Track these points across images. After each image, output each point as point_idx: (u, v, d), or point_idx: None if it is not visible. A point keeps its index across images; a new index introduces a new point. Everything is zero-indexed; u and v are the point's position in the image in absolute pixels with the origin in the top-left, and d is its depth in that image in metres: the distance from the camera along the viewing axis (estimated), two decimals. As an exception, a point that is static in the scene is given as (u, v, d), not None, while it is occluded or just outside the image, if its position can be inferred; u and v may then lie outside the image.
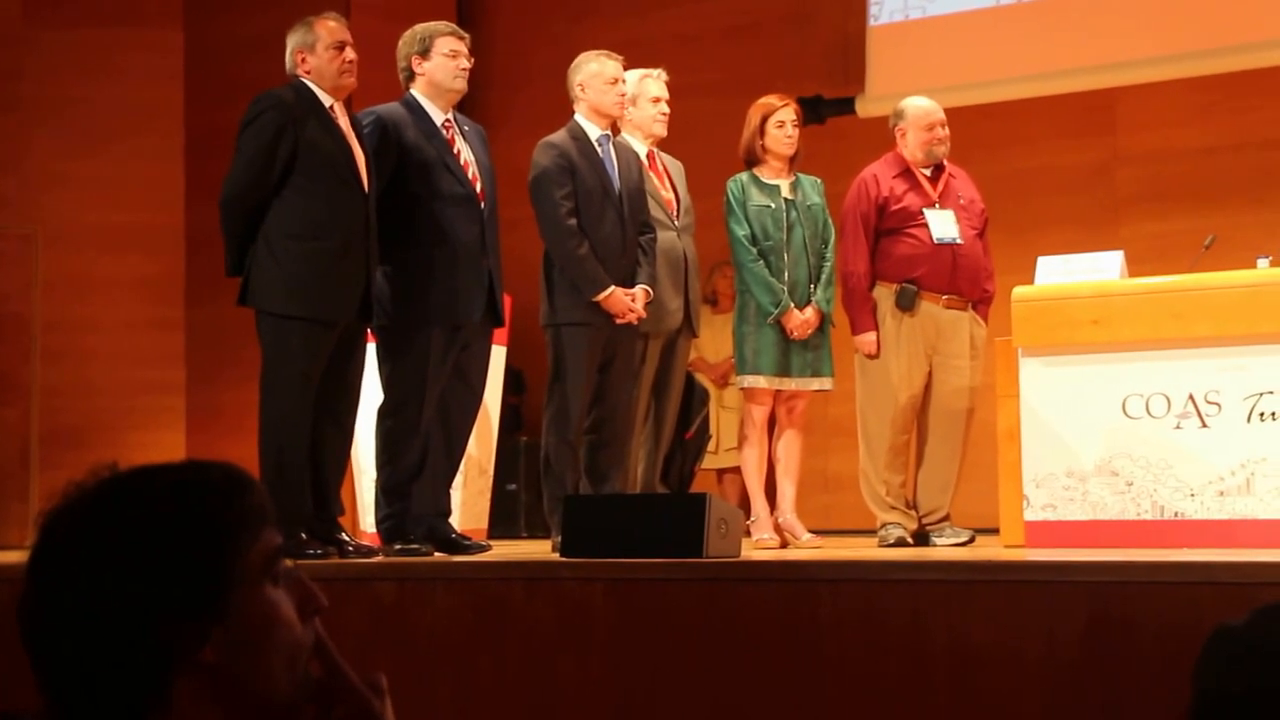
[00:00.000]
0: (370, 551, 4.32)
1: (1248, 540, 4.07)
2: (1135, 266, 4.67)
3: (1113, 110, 6.78)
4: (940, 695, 3.17)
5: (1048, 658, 3.09)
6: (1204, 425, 4.21)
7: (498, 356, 5.60)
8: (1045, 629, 3.10)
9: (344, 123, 4.30)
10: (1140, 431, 4.27)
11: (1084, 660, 3.06)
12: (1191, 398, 4.23)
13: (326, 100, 4.28)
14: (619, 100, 4.83)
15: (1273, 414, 4.14)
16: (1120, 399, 4.31)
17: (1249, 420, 4.16)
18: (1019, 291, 4.52)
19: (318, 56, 4.29)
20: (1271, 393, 4.14)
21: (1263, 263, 4.46)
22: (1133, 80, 6.65)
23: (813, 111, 6.82)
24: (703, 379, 6.51)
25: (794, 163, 5.09)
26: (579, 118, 4.83)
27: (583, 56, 4.88)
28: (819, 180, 5.18)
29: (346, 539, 4.30)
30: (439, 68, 4.53)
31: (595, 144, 4.78)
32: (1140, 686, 2.99)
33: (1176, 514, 4.22)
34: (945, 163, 5.07)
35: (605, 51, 4.88)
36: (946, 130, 5.04)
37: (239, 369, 5.58)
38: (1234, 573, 3.10)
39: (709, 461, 6.43)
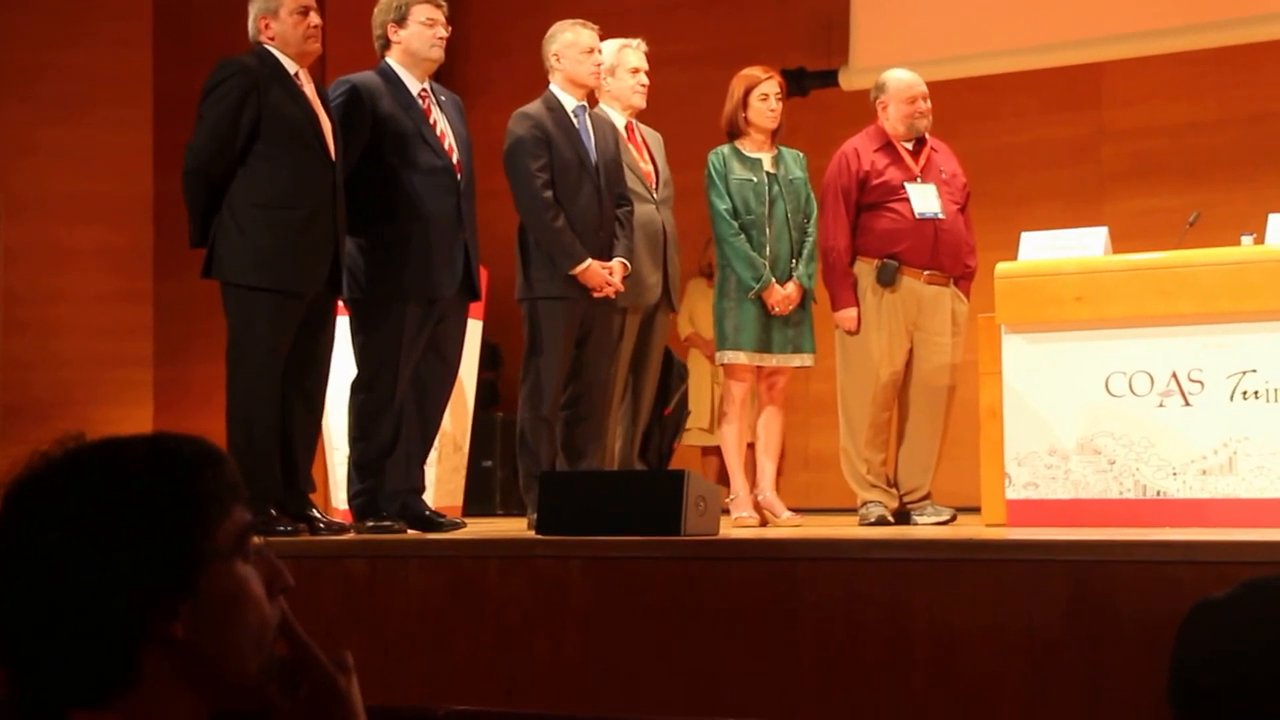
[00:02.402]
0: (342, 528, 4.27)
1: (1230, 519, 4.05)
2: (1119, 243, 4.63)
3: (1098, 85, 6.74)
4: (920, 673, 3.15)
5: (1029, 636, 3.07)
6: (1187, 404, 4.18)
7: (473, 331, 5.54)
8: (1026, 608, 3.09)
9: (309, 89, 4.21)
10: (1123, 409, 4.25)
11: (1065, 639, 3.04)
12: (1175, 376, 4.20)
13: (291, 67, 4.19)
14: (594, 70, 4.76)
15: (1255, 392, 4.12)
16: (1103, 376, 4.28)
17: (1232, 399, 4.14)
18: (1002, 267, 4.48)
19: (281, 22, 4.18)
20: (1255, 371, 4.12)
21: (1247, 240, 4.43)
22: (1118, 55, 6.62)
23: (795, 84, 6.76)
24: (697, 354, 6.46)
25: (776, 136, 5.03)
26: (554, 88, 4.75)
27: (557, 26, 4.80)
28: (801, 154, 5.11)
29: (317, 515, 4.25)
30: (415, 36, 4.44)
31: (571, 115, 4.71)
32: (1121, 665, 2.97)
33: (1159, 493, 4.19)
34: (927, 136, 5.02)
35: (580, 20, 4.81)
36: (928, 103, 4.99)
37: (208, 342, 5.48)
38: (1216, 552, 3.09)
39: (701, 438, 6.38)
